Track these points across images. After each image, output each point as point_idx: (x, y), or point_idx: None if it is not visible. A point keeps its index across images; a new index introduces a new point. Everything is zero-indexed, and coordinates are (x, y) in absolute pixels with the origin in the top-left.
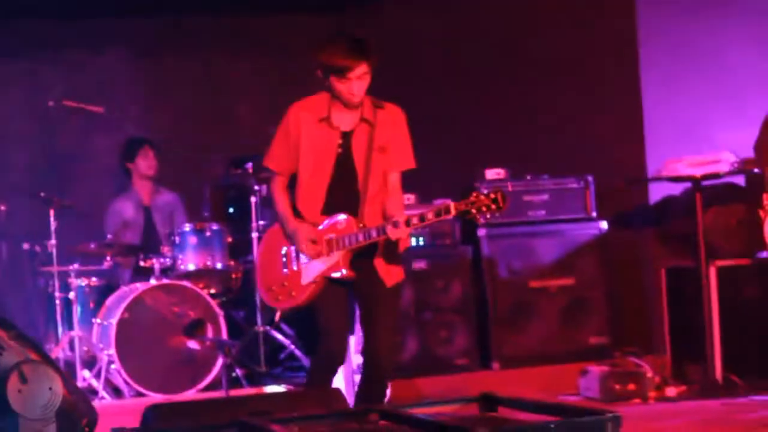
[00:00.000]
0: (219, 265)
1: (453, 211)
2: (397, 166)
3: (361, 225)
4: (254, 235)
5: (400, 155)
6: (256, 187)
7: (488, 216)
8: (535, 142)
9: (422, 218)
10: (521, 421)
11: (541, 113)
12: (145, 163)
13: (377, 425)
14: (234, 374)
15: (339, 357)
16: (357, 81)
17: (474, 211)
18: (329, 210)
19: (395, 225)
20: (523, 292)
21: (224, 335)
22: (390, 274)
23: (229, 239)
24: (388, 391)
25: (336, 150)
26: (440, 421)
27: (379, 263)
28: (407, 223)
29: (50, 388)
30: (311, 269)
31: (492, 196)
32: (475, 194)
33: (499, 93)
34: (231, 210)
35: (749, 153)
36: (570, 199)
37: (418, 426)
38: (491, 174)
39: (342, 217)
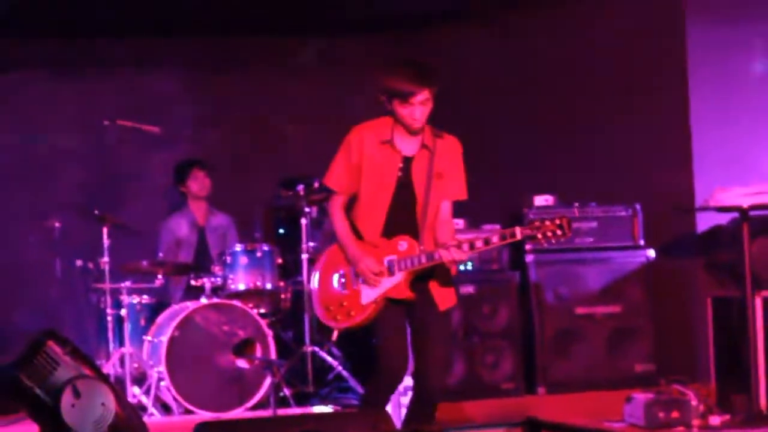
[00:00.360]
0: (269, 286)
1: (519, 236)
2: (451, 196)
3: (421, 248)
4: (304, 256)
5: (455, 185)
6: (307, 209)
7: (553, 241)
8: (583, 169)
9: (487, 242)
10: None
11: (591, 140)
12: (196, 184)
13: None
14: (282, 394)
15: (399, 376)
16: (420, 106)
17: (540, 236)
18: (389, 232)
19: (459, 247)
20: (570, 319)
21: (273, 355)
22: (443, 298)
23: (279, 260)
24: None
25: (397, 173)
26: None
27: (433, 287)
28: (471, 246)
29: (103, 404)
30: (372, 290)
31: (557, 222)
32: (539, 220)
33: (548, 119)
34: (281, 231)
35: None
36: (617, 227)
37: None
38: (539, 201)
39: (404, 239)
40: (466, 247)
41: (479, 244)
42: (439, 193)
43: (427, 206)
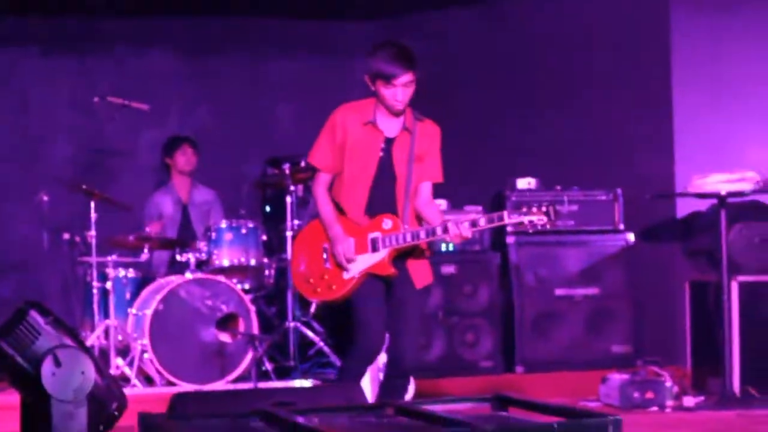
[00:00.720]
0: (253, 262)
1: (506, 220)
2: (430, 177)
3: (405, 226)
4: (289, 234)
5: (434, 167)
6: (292, 188)
7: (539, 227)
8: (566, 154)
9: (474, 224)
10: (528, 421)
11: (574, 125)
12: (183, 159)
13: (392, 419)
14: (263, 368)
15: (377, 349)
16: (402, 88)
17: (526, 222)
18: (371, 210)
19: (457, 227)
20: (549, 300)
21: (255, 330)
22: (420, 276)
23: (264, 237)
24: (411, 388)
25: (379, 153)
26: (447, 416)
27: (410, 265)
28: (473, 224)
29: (83, 373)
30: (355, 265)
31: (544, 208)
32: (527, 205)
33: (532, 103)
34: (267, 209)
35: None
36: (598, 211)
37: (429, 421)
38: (522, 183)
39: (388, 217)
40: (468, 225)
41: (467, 225)
42: (418, 174)
43: (407, 186)
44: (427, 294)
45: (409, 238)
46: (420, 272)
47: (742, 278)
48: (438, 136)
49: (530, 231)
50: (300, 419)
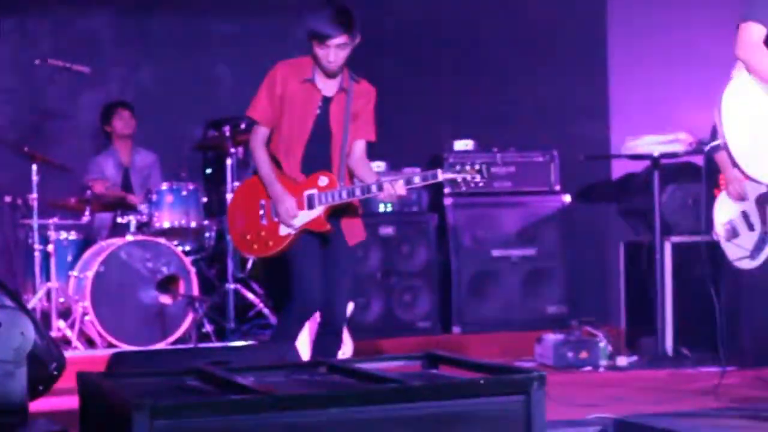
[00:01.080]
0: (193, 224)
1: (440, 177)
2: (363, 135)
3: (341, 183)
4: (229, 196)
5: (367, 126)
6: (233, 150)
7: (472, 185)
8: (503, 116)
9: (408, 182)
10: (455, 377)
11: (510, 88)
12: (121, 124)
13: (325, 377)
14: (204, 330)
15: (313, 304)
16: (335, 49)
17: (459, 179)
18: (307, 167)
19: (392, 185)
20: (486, 261)
21: (196, 291)
22: (353, 234)
23: (205, 199)
24: (349, 348)
25: (316, 111)
26: (378, 374)
27: (344, 222)
28: (408, 182)
29: (22, 333)
30: (292, 221)
31: (477, 167)
32: (459, 164)
33: (468, 66)
34: (208, 171)
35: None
36: (535, 173)
37: (360, 378)
38: (459, 145)
39: (324, 174)
40: (402, 182)
41: (402, 182)
42: (353, 133)
43: (342, 145)
44: (363, 252)
45: (345, 195)
46: (353, 230)
47: (675, 239)
48: (373, 97)
49: (464, 189)
50: (235, 377)
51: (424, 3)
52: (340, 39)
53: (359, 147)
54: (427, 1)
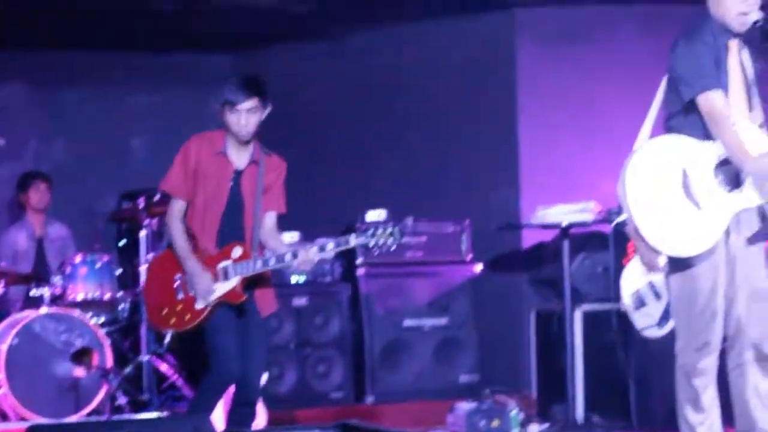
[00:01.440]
0: (107, 296)
1: (352, 243)
2: (275, 208)
3: (254, 254)
4: (143, 267)
5: (278, 199)
6: (147, 221)
7: (384, 249)
8: (416, 187)
9: (322, 248)
10: None
11: (423, 158)
12: (37, 197)
13: None
14: (117, 402)
15: (230, 376)
16: (246, 114)
17: (372, 243)
18: (221, 239)
19: (306, 252)
20: (398, 330)
21: (110, 363)
22: (266, 305)
23: (119, 271)
24: (263, 418)
25: (229, 184)
26: None
27: (257, 294)
28: (321, 248)
29: None
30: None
31: (389, 230)
32: (372, 228)
33: (382, 137)
34: (121, 242)
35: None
36: (447, 242)
37: None
38: (372, 215)
39: (238, 246)
40: (316, 249)
41: (315, 250)
42: (264, 205)
43: (255, 217)
44: (277, 323)
45: (259, 265)
46: (265, 301)
47: (585, 307)
48: (284, 170)
49: (377, 253)
50: None
51: (336, 74)
52: (251, 102)
53: (270, 219)
54: (340, 72)
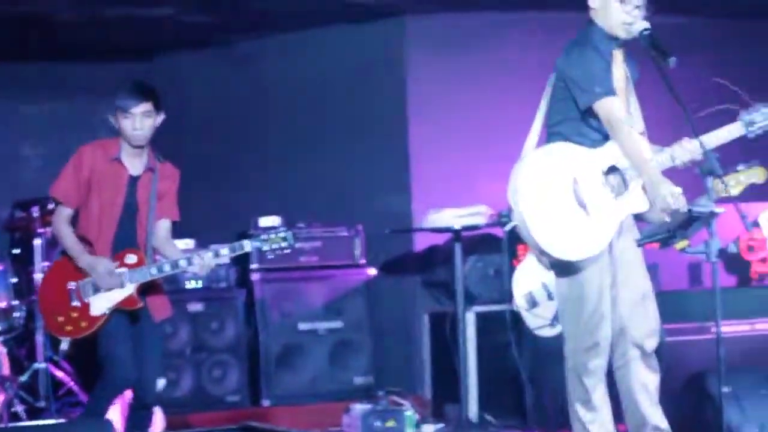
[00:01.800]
0: (3, 304)
1: (247, 248)
2: (169, 215)
3: (148, 261)
4: (38, 276)
5: (172, 207)
6: (41, 230)
7: (278, 252)
8: (309, 192)
9: (217, 254)
10: None
11: (315, 164)
12: None
13: None
14: (14, 409)
15: (124, 382)
16: (140, 117)
17: (266, 248)
18: (117, 246)
19: (201, 257)
20: (293, 334)
21: (6, 371)
22: (158, 310)
23: (14, 279)
24: (160, 423)
25: (124, 191)
26: None
27: (150, 300)
28: (216, 254)
29: None
30: (103, 301)
31: (282, 234)
32: (266, 233)
33: (275, 144)
34: (15, 251)
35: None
36: (340, 247)
37: None
38: (265, 221)
39: (132, 252)
40: (211, 254)
41: (210, 255)
42: (158, 213)
43: (149, 224)
44: (173, 328)
45: (154, 271)
46: (158, 306)
47: (477, 308)
48: (177, 178)
49: (271, 257)
50: None
51: (231, 82)
52: (144, 106)
53: (164, 226)
54: (234, 79)
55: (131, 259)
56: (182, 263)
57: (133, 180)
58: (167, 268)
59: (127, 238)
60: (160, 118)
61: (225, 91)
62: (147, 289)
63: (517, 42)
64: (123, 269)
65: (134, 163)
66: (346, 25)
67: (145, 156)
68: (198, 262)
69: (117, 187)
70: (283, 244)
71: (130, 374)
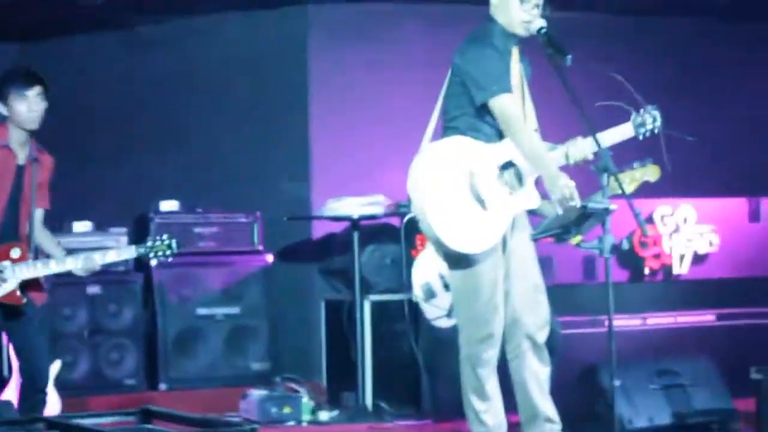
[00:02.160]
0: None
1: (134, 253)
2: (43, 204)
3: (31, 255)
4: None
5: (46, 196)
6: None
7: (162, 260)
8: (207, 177)
9: (103, 254)
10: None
11: (215, 149)
12: None
13: None
14: None
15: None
16: (35, 98)
17: (152, 255)
18: (2, 236)
19: (86, 259)
20: (191, 319)
21: None
22: (38, 295)
23: None
24: (57, 405)
25: (12, 177)
26: (96, 429)
27: (28, 286)
28: (102, 256)
29: None
30: None
31: (167, 242)
32: (152, 240)
33: (174, 128)
34: None
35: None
36: (238, 232)
37: None
38: (165, 206)
39: (16, 246)
40: (98, 257)
41: (98, 257)
42: (38, 201)
43: (31, 214)
44: (70, 311)
45: (40, 267)
46: (36, 291)
47: (374, 297)
48: (53, 167)
49: (154, 265)
50: None
51: (127, 66)
52: (38, 88)
53: (41, 215)
54: (131, 63)
55: (15, 253)
56: (69, 263)
57: (20, 168)
58: (53, 266)
59: (11, 228)
60: (45, 103)
61: (123, 74)
62: (28, 281)
63: (418, 32)
64: (6, 263)
65: (21, 152)
66: (247, 11)
67: (28, 145)
68: (85, 263)
69: (6, 174)
70: (168, 252)
71: (21, 363)
